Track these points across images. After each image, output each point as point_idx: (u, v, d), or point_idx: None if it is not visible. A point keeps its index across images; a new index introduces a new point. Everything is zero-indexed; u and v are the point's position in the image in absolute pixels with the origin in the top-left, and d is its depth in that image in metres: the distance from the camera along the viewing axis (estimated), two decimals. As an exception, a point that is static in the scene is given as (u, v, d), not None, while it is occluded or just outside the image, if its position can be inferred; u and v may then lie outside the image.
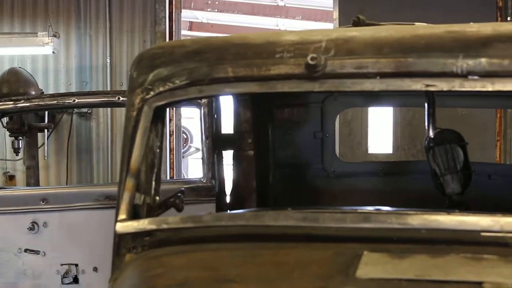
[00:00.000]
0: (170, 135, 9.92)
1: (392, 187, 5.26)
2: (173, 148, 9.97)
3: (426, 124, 3.81)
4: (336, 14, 9.79)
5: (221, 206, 4.53)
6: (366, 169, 5.57)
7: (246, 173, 4.52)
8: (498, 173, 5.24)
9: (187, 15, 21.37)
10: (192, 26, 23.68)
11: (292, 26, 20.78)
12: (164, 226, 2.35)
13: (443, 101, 5.16)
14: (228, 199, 4.67)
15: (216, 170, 4.60)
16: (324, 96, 5.11)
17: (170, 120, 9.85)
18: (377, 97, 5.28)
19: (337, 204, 5.09)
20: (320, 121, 5.27)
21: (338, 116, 9.68)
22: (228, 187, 4.67)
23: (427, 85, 2.15)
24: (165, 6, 9.89)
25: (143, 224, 2.39)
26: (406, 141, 9.64)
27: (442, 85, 2.14)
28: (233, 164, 4.57)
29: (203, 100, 4.50)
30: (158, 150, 2.59)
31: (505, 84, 2.10)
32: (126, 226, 2.41)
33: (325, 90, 2.26)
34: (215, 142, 4.56)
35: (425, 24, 2.89)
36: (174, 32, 10.05)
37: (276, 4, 19.63)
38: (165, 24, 9.86)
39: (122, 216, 2.43)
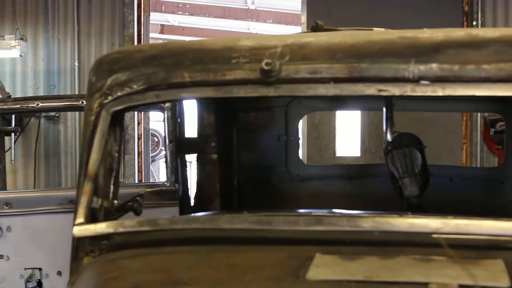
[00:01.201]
0: (138, 139, 9.91)
1: (356, 190, 5.32)
2: (141, 151, 9.96)
3: (384, 128, 3.85)
4: (304, 18, 9.85)
5: (184, 209, 4.54)
6: (330, 173, 5.62)
7: (210, 176, 4.54)
8: (460, 176, 5.32)
9: (158, 18, 21.36)
10: (163, 29, 23.66)
11: (263, 30, 20.85)
12: (121, 229, 2.36)
13: (408, 105, 5.23)
14: (192, 203, 4.69)
15: (180, 174, 4.61)
16: (288, 99, 5.14)
17: (138, 123, 9.86)
18: (341, 101, 5.33)
19: (301, 207, 5.12)
20: (285, 125, 5.31)
21: (306, 119, 9.78)
22: (192, 191, 4.69)
23: (380, 90, 2.18)
24: (133, 10, 9.88)
25: (100, 227, 2.41)
26: (374, 144, 9.73)
27: (394, 90, 2.18)
28: (197, 168, 4.60)
29: (167, 104, 4.52)
30: (116, 154, 2.61)
31: (455, 89, 2.14)
32: (83, 230, 2.42)
33: (280, 95, 2.29)
34: (179, 146, 4.57)
35: (383, 29, 2.93)
36: (142, 36, 10.06)
37: (247, 7, 19.67)
38: (133, 28, 9.85)
39: (79, 220, 2.44)
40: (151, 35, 23.23)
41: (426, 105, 5.44)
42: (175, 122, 4.56)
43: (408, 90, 2.17)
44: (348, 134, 10.61)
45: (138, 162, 9.91)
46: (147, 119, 10.23)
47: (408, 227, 2.10)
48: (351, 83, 2.21)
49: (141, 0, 10.01)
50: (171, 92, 2.41)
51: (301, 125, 10.06)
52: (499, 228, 2.09)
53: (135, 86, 2.45)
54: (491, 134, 9.40)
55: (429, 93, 2.16)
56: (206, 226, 2.30)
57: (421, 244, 2.09)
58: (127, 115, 9.65)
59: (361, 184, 5.33)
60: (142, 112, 9.61)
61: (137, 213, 2.70)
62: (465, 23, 9.67)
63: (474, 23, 9.59)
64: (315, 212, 2.24)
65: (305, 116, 9.73)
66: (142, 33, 10.04)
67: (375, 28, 3.04)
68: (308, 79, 2.23)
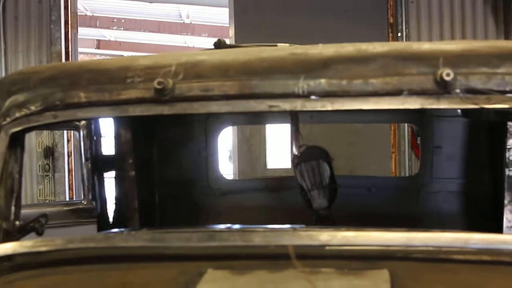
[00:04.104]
0: (68, 156, 9.84)
1: (277, 203, 5.37)
2: (71, 169, 9.89)
3: (290, 142, 3.91)
4: (232, 32, 9.91)
5: (103, 227, 4.53)
6: (251, 186, 5.68)
7: (128, 193, 4.53)
8: (377, 186, 5.41)
9: (94, 33, 21.25)
10: (99, 44, 23.56)
11: (200, 43, 20.91)
12: (19, 250, 2.36)
13: (325, 117, 5.31)
14: (111, 220, 4.68)
15: (97, 192, 4.59)
16: (207, 114, 5.17)
17: (68, 140, 9.79)
18: (258, 115, 5.37)
19: (223, 222, 5.16)
20: (205, 139, 5.34)
21: (236, 132, 9.82)
22: (111, 208, 4.68)
23: (271, 106, 2.22)
24: (60, 26, 9.82)
25: (-2, 249, 2.40)
26: (304, 155, 9.78)
27: (284, 105, 2.21)
28: (114, 185, 4.59)
29: (82, 122, 4.51)
30: (17, 176, 2.60)
31: (343, 103, 2.18)
32: (-20, 252, 2.42)
33: (174, 113, 2.31)
34: (96, 164, 4.56)
35: (287, 45, 2.98)
36: (70, 52, 9.99)
37: (182, 21, 19.67)
38: (60, 44, 9.79)
39: (-22, 242, 2.44)
40: (88, 50, 23.18)
41: (341, 116, 5.51)
42: (91, 140, 4.55)
43: (298, 105, 2.20)
44: (279, 145, 10.68)
45: (69, 180, 9.83)
46: (77, 136, 10.16)
47: (297, 241, 2.14)
48: (242, 100, 2.24)
49: (68, 16, 9.96)
50: (68, 112, 2.42)
51: (232, 138, 10.11)
52: (386, 238, 2.15)
53: (32, 107, 2.45)
54: (418, 142, 9.56)
55: (318, 108, 2.20)
56: (101, 245, 2.32)
57: (312, 256, 2.13)
58: (56, 133, 9.58)
59: (281, 196, 5.39)
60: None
61: (39, 233, 2.70)
62: (390, 34, 9.85)
63: (399, 34, 9.78)
64: (208, 228, 2.28)
65: (236, 129, 9.79)
66: (70, 49, 9.97)
67: (279, 44, 3.09)
68: (201, 97, 2.26)
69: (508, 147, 4.17)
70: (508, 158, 4.16)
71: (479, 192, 5.00)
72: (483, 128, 4.89)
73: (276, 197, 5.43)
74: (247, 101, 2.24)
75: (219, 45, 2.97)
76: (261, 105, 2.23)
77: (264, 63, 2.28)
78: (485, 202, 4.87)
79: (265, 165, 9.99)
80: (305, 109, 2.21)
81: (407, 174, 9.61)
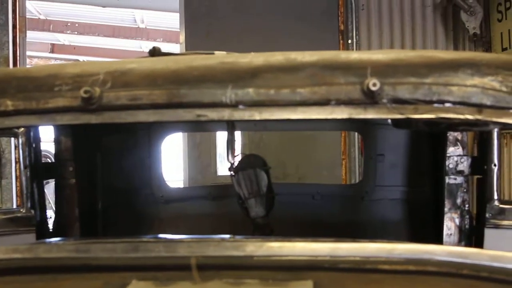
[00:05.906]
0: (16, 162, 9.69)
1: (220, 210, 5.36)
2: (19, 175, 9.73)
3: (226, 150, 3.90)
4: (182, 38, 9.88)
5: (42, 235, 4.45)
6: (194, 194, 5.66)
7: (68, 201, 4.47)
8: (321, 193, 5.42)
9: (47, 37, 21.04)
10: (54, 48, 23.34)
11: (155, 48, 20.77)
12: None
13: (269, 125, 5.32)
14: (51, 229, 4.60)
15: (36, 200, 4.51)
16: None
17: (15, 147, 9.64)
18: (203, 122, 5.35)
19: (167, 230, 5.14)
20: (148, 146, 5.30)
21: (187, 139, 9.78)
22: (51, 216, 4.61)
23: (199, 115, 2.21)
24: (8, 30, 9.65)
25: None
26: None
27: (212, 115, 2.20)
28: (54, 193, 4.53)
29: (21, 129, 4.43)
30: None
31: (272, 113, 2.17)
32: None
33: (101, 122, 2.28)
34: (35, 171, 4.48)
35: (224, 52, 2.97)
36: (19, 57, 9.82)
37: (137, 26, 19.59)
38: (8, 49, 9.62)
39: None
40: (42, 54, 22.92)
41: (284, 124, 5.49)
42: (30, 147, 4.47)
43: (226, 115, 2.19)
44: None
45: (16, 187, 9.69)
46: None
47: (222, 251, 2.14)
48: (170, 109, 2.22)
49: (16, 20, 9.81)
50: None
51: (182, 145, 10.06)
52: (311, 249, 2.15)
53: (-41, 115, 2.41)
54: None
55: (246, 118, 2.19)
56: (26, 255, 2.28)
57: (238, 267, 2.13)
58: (3, 140, 9.46)
59: (225, 204, 5.37)
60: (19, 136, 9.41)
61: None
62: (341, 41, 9.90)
63: (350, 41, 9.83)
64: (134, 238, 2.25)
65: (185, 135, 9.76)
66: (18, 54, 9.80)
67: (216, 52, 3.07)
68: (128, 106, 2.23)
69: (448, 155, 4.21)
70: (448, 166, 4.20)
71: (421, 200, 5.02)
72: (425, 136, 4.92)
73: (219, 205, 5.41)
74: (175, 110, 2.22)
75: (154, 53, 2.94)
76: (189, 114, 2.22)
77: (193, 72, 2.26)
78: (427, 209, 4.89)
79: (216, 172, 9.94)
80: (233, 118, 2.20)
81: (357, 181, 9.65)
